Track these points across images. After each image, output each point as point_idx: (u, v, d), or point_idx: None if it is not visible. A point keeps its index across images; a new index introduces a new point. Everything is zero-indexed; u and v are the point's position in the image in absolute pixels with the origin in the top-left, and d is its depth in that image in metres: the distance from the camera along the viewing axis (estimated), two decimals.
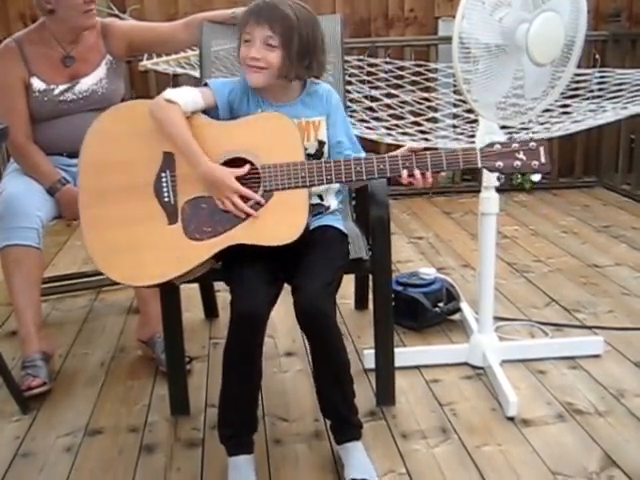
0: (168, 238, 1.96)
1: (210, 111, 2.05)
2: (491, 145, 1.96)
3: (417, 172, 1.95)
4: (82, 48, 2.69)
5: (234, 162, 1.97)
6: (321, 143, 2.10)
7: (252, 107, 2.07)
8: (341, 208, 2.23)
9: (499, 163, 1.95)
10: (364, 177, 1.98)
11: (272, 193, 1.95)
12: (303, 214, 1.93)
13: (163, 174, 1.98)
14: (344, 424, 2.05)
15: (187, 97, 2.01)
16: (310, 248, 1.97)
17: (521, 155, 1.94)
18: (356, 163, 1.97)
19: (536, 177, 1.97)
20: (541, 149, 1.95)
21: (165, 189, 1.98)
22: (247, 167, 1.96)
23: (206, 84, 2.09)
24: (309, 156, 2.03)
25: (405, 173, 1.96)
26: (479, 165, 1.95)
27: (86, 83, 2.68)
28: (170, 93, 2.00)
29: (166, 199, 1.98)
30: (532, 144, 1.95)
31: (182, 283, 2.09)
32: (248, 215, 1.94)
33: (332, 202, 2.15)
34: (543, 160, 1.94)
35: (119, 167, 2.01)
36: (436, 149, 1.98)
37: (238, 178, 1.95)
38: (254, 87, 2.05)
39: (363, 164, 1.96)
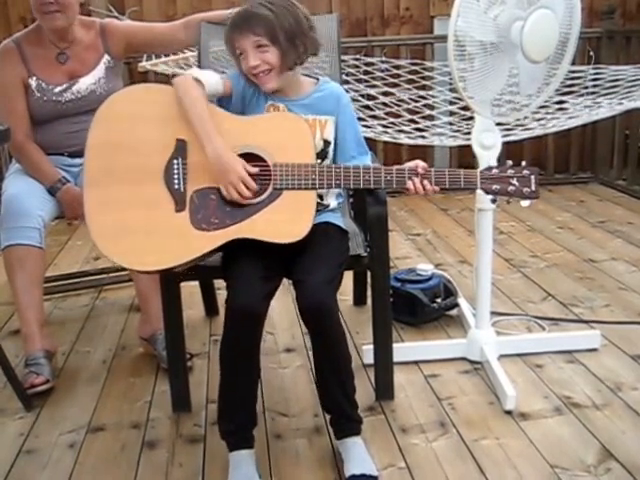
0: (174, 225, 1.94)
1: (223, 101, 2.07)
2: (489, 169, 2.06)
3: (419, 186, 2.02)
4: (79, 48, 2.70)
5: (246, 157, 1.98)
6: (326, 142, 2.12)
7: (262, 102, 2.09)
8: (340, 206, 2.25)
9: (496, 186, 2.06)
10: (371, 185, 2.03)
11: (281, 192, 1.97)
12: (310, 214, 1.96)
13: (175, 161, 1.96)
14: (344, 419, 2.06)
15: (211, 80, 2.03)
16: (311, 244, 1.98)
17: (514, 181, 2.06)
18: (365, 172, 2.01)
19: (525, 203, 2.08)
20: (532, 177, 2.07)
21: (176, 176, 1.96)
22: (257, 169, 1.97)
23: (224, 72, 2.11)
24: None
25: (410, 185, 2.02)
26: (479, 187, 2.06)
27: (84, 83, 2.70)
28: (198, 73, 2.02)
29: (176, 186, 1.95)
30: (525, 172, 2.06)
31: (181, 270, 2.06)
32: (255, 208, 1.95)
33: (332, 202, 2.17)
34: (533, 188, 2.07)
35: (129, 148, 1.98)
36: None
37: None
38: (271, 91, 2.07)
39: (372, 173, 2.01)
